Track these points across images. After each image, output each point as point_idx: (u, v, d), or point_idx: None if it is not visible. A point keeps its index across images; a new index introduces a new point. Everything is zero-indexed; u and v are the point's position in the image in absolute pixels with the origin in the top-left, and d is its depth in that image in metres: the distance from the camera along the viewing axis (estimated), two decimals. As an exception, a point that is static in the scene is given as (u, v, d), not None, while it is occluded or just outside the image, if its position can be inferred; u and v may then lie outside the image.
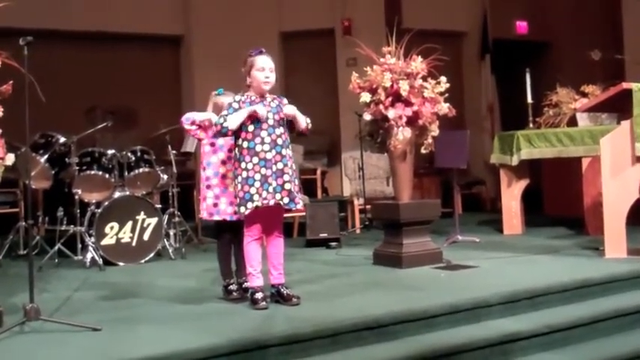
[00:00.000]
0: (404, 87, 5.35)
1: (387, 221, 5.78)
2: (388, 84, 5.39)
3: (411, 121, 5.45)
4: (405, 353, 3.69)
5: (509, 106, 11.04)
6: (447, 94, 5.51)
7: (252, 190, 4.15)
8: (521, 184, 7.39)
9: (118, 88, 10.21)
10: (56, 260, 6.27)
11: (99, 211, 6.31)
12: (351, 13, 10.80)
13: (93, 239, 6.24)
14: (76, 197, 6.37)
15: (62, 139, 6.59)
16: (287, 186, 4.20)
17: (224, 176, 4.59)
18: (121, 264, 6.27)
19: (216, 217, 4.57)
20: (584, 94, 7.45)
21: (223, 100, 4.61)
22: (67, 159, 6.56)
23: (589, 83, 7.53)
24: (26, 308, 3.84)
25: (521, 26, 12.61)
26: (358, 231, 8.18)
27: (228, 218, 4.54)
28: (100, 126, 6.94)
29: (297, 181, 4.34)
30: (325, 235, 7.10)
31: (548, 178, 8.20)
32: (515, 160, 7.10)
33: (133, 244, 6.41)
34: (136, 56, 10.71)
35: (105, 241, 6.28)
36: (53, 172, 6.54)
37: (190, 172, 8.85)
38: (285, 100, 4.40)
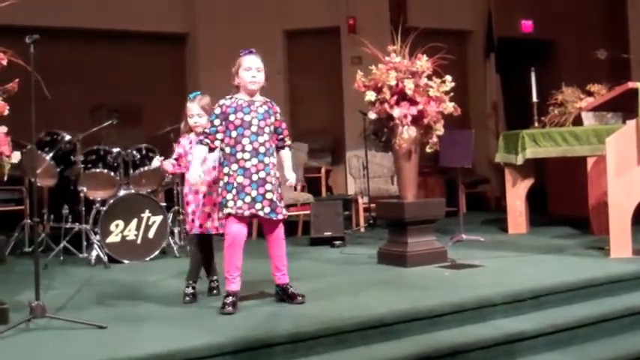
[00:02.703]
0: (409, 86, 5.35)
1: (392, 220, 5.77)
2: (393, 82, 5.38)
3: (416, 120, 5.45)
4: (410, 352, 3.69)
5: (514, 105, 11.02)
6: (452, 93, 5.51)
7: (229, 197, 4.11)
8: (526, 184, 7.39)
9: (123, 86, 10.22)
10: (61, 258, 6.29)
11: (104, 208, 6.32)
12: (355, 12, 10.79)
13: (98, 237, 6.26)
14: (82, 195, 6.38)
15: (67, 137, 6.63)
16: (268, 195, 4.14)
17: (197, 192, 4.59)
18: (126, 262, 6.29)
19: (195, 231, 4.62)
20: (590, 93, 7.43)
21: (198, 105, 4.62)
22: (72, 157, 6.59)
23: (594, 82, 7.51)
24: (32, 305, 3.85)
25: (526, 25, 12.58)
26: (362, 230, 8.18)
27: (206, 232, 4.61)
28: (105, 124, 6.95)
29: (279, 190, 4.27)
30: (329, 233, 7.10)
31: (553, 177, 8.19)
32: (520, 160, 7.09)
33: (138, 241, 6.42)
34: (141, 54, 10.72)
35: (110, 239, 6.29)
36: (58, 169, 6.58)
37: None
38: (276, 108, 4.33)
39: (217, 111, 4.22)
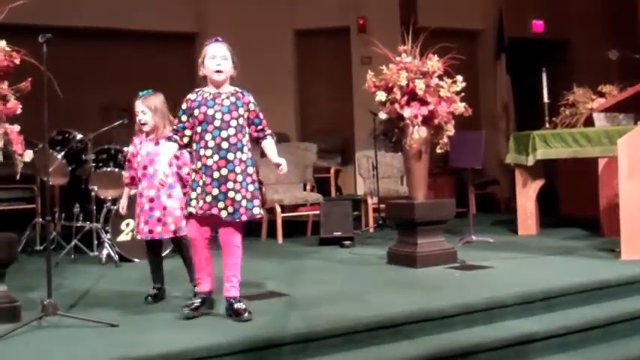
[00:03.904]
0: (420, 86, 5.34)
1: (402, 220, 5.77)
2: (404, 83, 5.38)
3: (427, 121, 5.44)
4: (420, 353, 3.69)
5: (525, 105, 10.99)
6: (462, 94, 5.50)
7: (193, 195, 3.92)
8: (536, 185, 7.36)
9: (133, 85, 10.18)
10: (72, 256, 6.31)
11: (115, 207, 6.34)
12: (366, 11, 10.78)
13: (109, 235, 6.28)
14: (93, 194, 6.40)
15: (79, 136, 6.67)
16: (231, 194, 3.86)
17: (141, 195, 4.56)
18: (137, 260, 6.29)
19: (138, 237, 4.57)
20: (602, 94, 7.40)
21: (142, 102, 4.57)
22: (83, 156, 6.62)
23: (606, 83, 7.48)
24: (44, 303, 3.87)
25: (538, 25, 12.53)
26: (372, 230, 8.17)
27: (144, 238, 4.54)
28: (116, 123, 6.97)
29: (250, 188, 3.94)
30: (339, 233, 7.10)
31: (564, 178, 8.16)
32: (530, 161, 7.06)
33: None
34: (151, 53, 10.74)
35: (121, 238, 6.31)
36: (70, 168, 6.59)
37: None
38: (248, 97, 4.03)
39: (184, 106, 4.02)
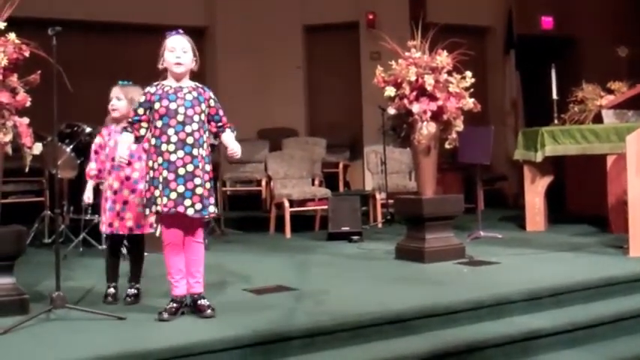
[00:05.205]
0: (429, 81, 5.34)
1: (410, 216, 5.77)
2: (413, 78, 5.37)
3: (436, 116, 5.44)
4: (427, 348, 3.69)
5: (534, 102, 10.96)
6: (471, 89, 5.49)
7: (157, 193, 3.79)
8: (544, 181, 7.34)
9: (143, 79, 10.22)
10: (81, 249, 6.34)
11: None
12: (375, 7, 10.77)
13: (117, 229, 6.29)
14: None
15: (88, 129, 6.67)
16: (198, 190, 3.78)
17: (108, 187, 4.48)
18: (145, 254, 6.29)
19: (107, 231, 4.46)
20: (610, 91, 7.38)
21: (119, 89, 4.54)
22: (92, 149, 6.62)
23: (615, 80, 7.45)
24: (52, 296, 3.89)
25: (547, 21, 12.49)
26: (380, 225, 8.18)
27: (104, 231, 4.49)
28: (124, 117, 6.99)
29: (207, 185, 3.86)
30: (347, 228, 7.11)
31: (572, 174, 8.14)
32: (539, 157, 7.05)
33: (157, 234, 6.42)
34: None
35: (129, 231, 6.32)
36: (79, 161, 6.61)
37: (214, 164, 8.87)
38: (209, 93, 3.99)
39: (142, 99, 3.92)
